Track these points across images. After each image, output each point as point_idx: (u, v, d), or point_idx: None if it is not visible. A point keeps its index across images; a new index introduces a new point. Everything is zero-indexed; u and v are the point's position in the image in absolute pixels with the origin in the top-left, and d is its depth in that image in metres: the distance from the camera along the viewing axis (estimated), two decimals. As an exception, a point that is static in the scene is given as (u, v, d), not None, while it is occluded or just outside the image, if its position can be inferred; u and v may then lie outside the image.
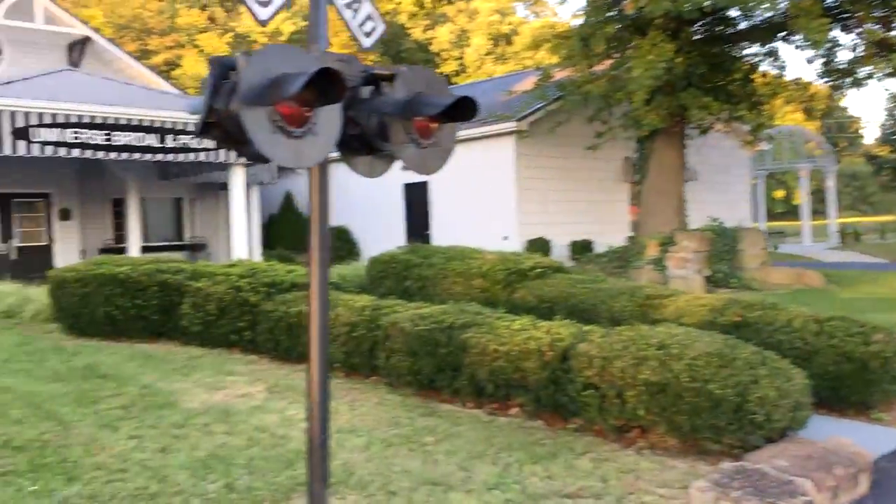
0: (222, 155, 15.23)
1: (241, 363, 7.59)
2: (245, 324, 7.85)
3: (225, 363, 7.57)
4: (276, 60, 3.00)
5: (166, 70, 40.50)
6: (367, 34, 3.78)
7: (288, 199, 21.23)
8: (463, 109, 3.24)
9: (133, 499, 4.21)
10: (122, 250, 18.71)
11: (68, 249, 19.04)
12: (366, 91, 3.39)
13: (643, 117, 14.44)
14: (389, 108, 3.36)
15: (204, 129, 3.12)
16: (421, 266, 9.65)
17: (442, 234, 18.10)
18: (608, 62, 15.63)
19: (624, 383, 4.93)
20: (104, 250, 19.28)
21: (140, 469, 4.63)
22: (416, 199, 19.06)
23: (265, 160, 3.32)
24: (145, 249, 18.59)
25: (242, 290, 7.91)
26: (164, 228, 20.98)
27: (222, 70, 3.02)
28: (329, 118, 3.09)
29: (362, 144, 3.48)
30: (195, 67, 42.77)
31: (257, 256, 17.49)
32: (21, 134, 12.84)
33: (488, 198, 17.59)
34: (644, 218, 16.17)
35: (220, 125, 3.11)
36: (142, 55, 39.57)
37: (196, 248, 20.61)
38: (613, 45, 15.10)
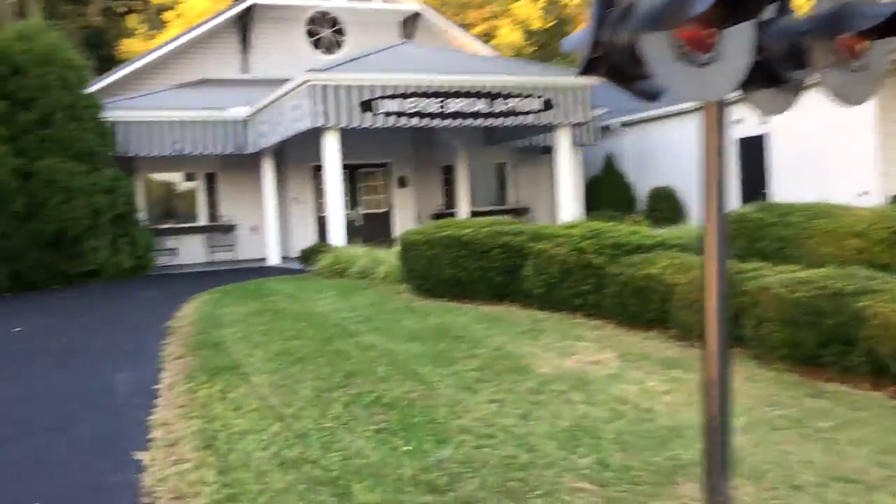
0: (546, 117, 15.11)
1: (587, 328, 7.28)
2: (589, 287, 7.53)
3: (570, 327, 7.32)
4: (678, -26, 2.48)
5: (484, 41, 41.77)
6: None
7: (609, 160, 20.70)
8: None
9: (505, 467, 4.03)
10: (451, 215, 19.54)
11: (405, 215, 20.31)
12: (769, 10, 2.77)
13: None
14: (808, 26, 2.70)
15: (588, 67, 2.74)
16: (776, 225, 8.63)
17: (782, 191, 16.42)
18: None
19: None
20: (436, 215, 20.29)
21: (506, 436, 4.46)
22: (751, 154, 17.49)
23: (655, 97, 2.85)
24: (472, 214, 19.24)
25: (585, 252, 7.59)
26: (489, 193, 21.58)
27: (607, -2, 2.61)
28: (737, 41, 2.54)
29: (764, 74, 2.87)
30: (510, 37, 43.61)
31: (581, 219, 17.24)
32: (367, 107, 13.75)
33: (838, 148, 15.58)
34: None
35: (607, 60, 2.71)
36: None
37: (519, 212, 20.94)
38: None
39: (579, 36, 2.82)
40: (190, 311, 9.57)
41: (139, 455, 4.43)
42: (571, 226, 8.52)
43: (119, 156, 16.16)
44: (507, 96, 14.55)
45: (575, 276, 7.64)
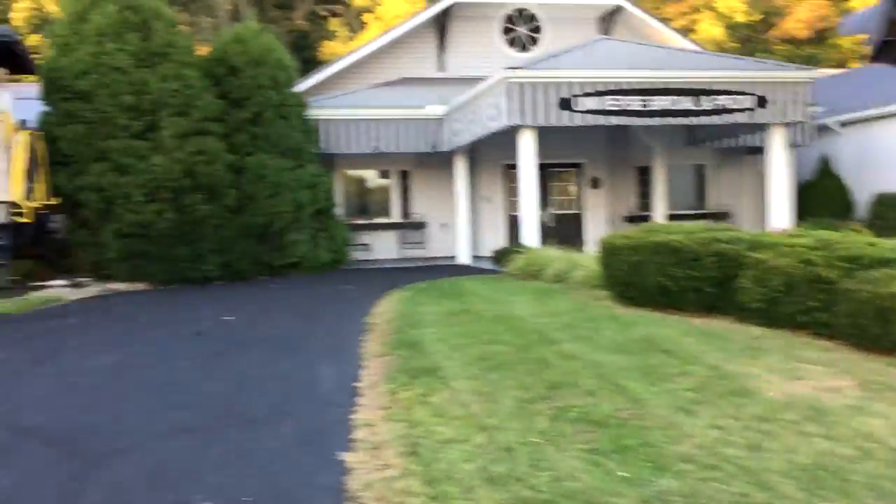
0: (759, 115, 14.04)
1: (814, 349, 6.54)
2: (817, 303, 6.75)
3: (794, 347, 6.60)
4: None
5: (683, 36, 40.05)
6: None
7: (824, 164, 19.04)
8: None
9: (738, 507, 3.56)
10: (646, 218, 18.77)
11: (597, 217, 19.75)
12: None
13: None
14: None
15: (881, 50, 2.26)
16: None
17: None
18: None
19: None
20: (629, 218, 19.58)
21: (734, 469, 3.98)
22: None
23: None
24: (669, 218, 18.36)
25: (814, 265, 6.82)
26: (686, 196, 20.54)
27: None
28: None
29: None
30: (711, 31, 41.59)
31: (790, 225, 15.93)
32: (565, 104, 13.37)
33: None
34: None
35: (902, 43, 2.21)
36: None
37: (719, 217, 19.76)
38: None
39: (864, 16, 2.36)
40: (386, 308, 9.63)
41: (343, 456, 4.35)
42: (795, 234, 7.72)
43: (320, 152, 16.78)
44: (716, 93, 13.65)
45: (800, 291, 6.89)
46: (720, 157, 20.35)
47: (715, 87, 13.70)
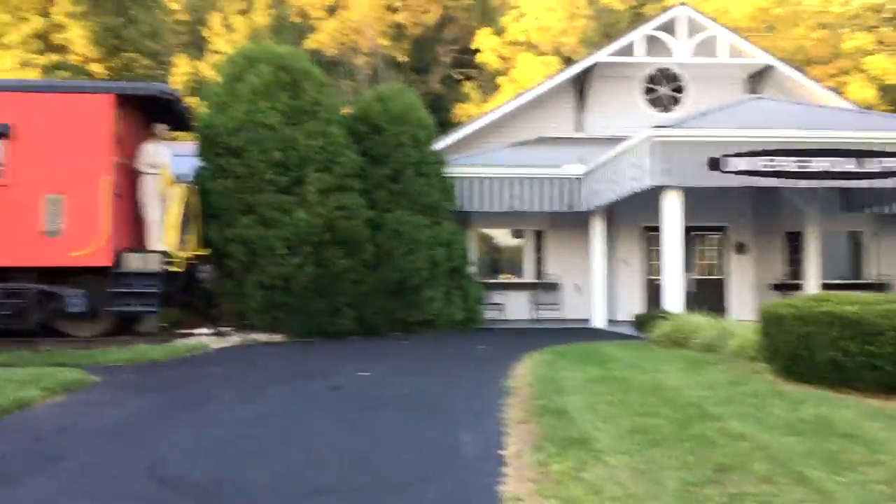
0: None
1: None
2: None
3: None
4: None
5: (830, 98, 38.21)
6: None
7: None
8: None
9: None
10: (795, 287, 17.69)
11: (741, 284, 18.76)
12: None
13: None
14: None
15: None
16: None
17: None
18: None
19: None
20: (777, 286, 18.50)
21: (957, 585, 3.37)
22: None
23: None
24: (823, 287, 17.18)
25: None
26: (839, 264, 19.25)
27: None
28: None
29: None
30: (860, 93, 39.59)
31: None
32: (714, 165, 12.79)
33: None
34: None
35: None
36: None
37: (877, 288, 18.33)
38: None
39: None
40: (525, 371, 9.28)
41: (493, 533, 4.01)
42: None
43: (456, 210, 16.78)
44: (882, 154, 12.71)
45: None
46: (879, 223, 19.00)
47: (882, 149, 12.75)
